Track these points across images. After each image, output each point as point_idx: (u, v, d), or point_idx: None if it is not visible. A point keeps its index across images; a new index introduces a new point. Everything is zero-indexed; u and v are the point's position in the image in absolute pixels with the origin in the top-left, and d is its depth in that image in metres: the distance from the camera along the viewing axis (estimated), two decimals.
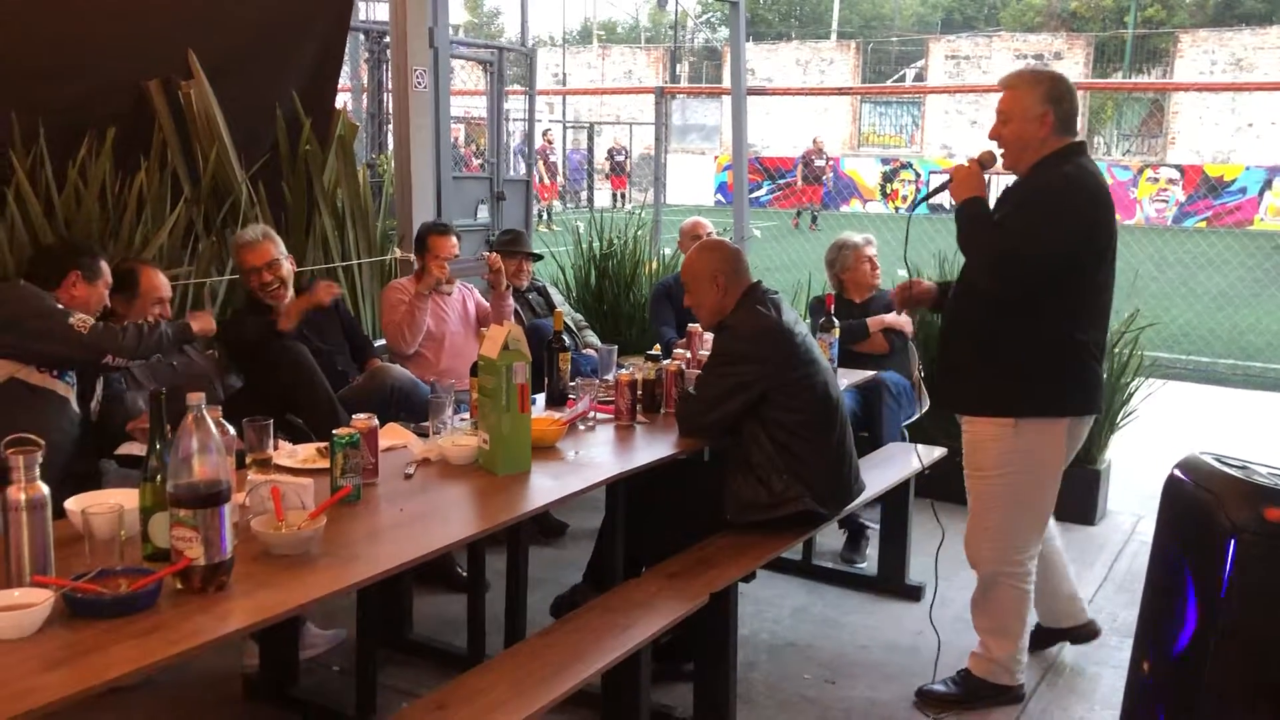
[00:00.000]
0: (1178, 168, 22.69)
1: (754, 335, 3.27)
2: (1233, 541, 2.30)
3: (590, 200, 23.77)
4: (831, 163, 23.23)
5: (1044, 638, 3.67)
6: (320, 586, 2.15)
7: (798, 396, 3.25)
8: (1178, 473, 2.56)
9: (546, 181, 24.20)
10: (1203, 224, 20.76)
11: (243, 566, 2.18)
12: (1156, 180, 22.60)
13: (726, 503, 3.33)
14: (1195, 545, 2.44)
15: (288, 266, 4.06)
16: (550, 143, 25.52)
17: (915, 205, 3.61)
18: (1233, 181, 21.90)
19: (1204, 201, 21.16)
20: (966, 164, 3.21)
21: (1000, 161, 3.20)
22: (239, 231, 4.21)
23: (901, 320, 4.89)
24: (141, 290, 3.60)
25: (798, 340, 3.30)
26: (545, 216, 19.85)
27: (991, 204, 3.19)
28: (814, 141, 22.42)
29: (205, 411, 2.09)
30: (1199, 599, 2.39)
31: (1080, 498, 5.01)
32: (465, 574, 3.84)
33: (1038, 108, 3.07)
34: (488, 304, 4.77)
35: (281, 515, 2.35)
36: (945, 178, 3.27)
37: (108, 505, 2.17)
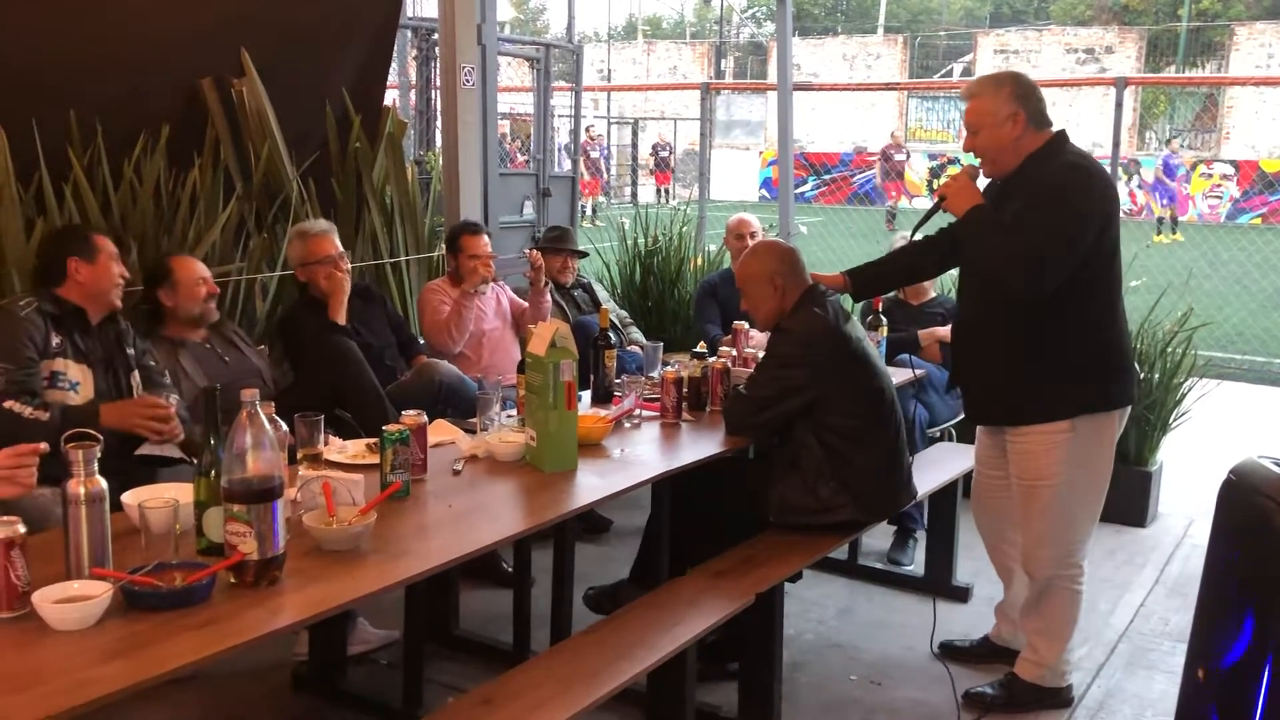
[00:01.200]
0: (1232, 163, 22.26)
1: (809, 338, 3.24)
2: None
3: (634, 196, 23.77)
4: (907, 156, 22.47)
5: (984, 651, 3.64)
6: (370, 582, 2.17)
7: (851, 401, 3.23)
8: (1233, 477, 2.51)
9: (588, 178, 24.23)
10: (1258, 220, 20.38)
11: (294, 561, 2.21)
12: (1210, 176, 22.19)
13: (770, 504, 3.32)
14: (1252, 553, 2.39)
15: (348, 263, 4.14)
16: (594, 139, 25.54)
17: (914, 232, 3.57)
18: None
19: (1260, 198, 20.75)
20: (954, 179, 3.17)
21: (981, 173, 3.17)
22: (302, 224, 4.25)
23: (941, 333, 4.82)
24: (179, 280, 3.62)
25: (853, 344, 3.28)
26: (589, 212, 19.87)
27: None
28: (891, 136, 21.76)
29: (259, 407, 2.12)
30: (1256, 608, 2.35)
31: (1132, 500, 4.95)
32: (510, 569, 3.86)
33: (1007, 108, 3.03)
34: (521, 301, 4.78)
35: (333, 510, 2.38)
36: (936, 200, 3.21)
37: (163, 500, 2.21)
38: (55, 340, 3.12)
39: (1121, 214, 3.13)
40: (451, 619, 3.72)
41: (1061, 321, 3.04)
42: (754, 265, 3.38)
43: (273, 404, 2.41)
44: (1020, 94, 3.05)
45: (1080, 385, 3.08)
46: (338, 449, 2.99)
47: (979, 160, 3.15)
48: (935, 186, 21.04)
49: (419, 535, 2.47)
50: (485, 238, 4.59)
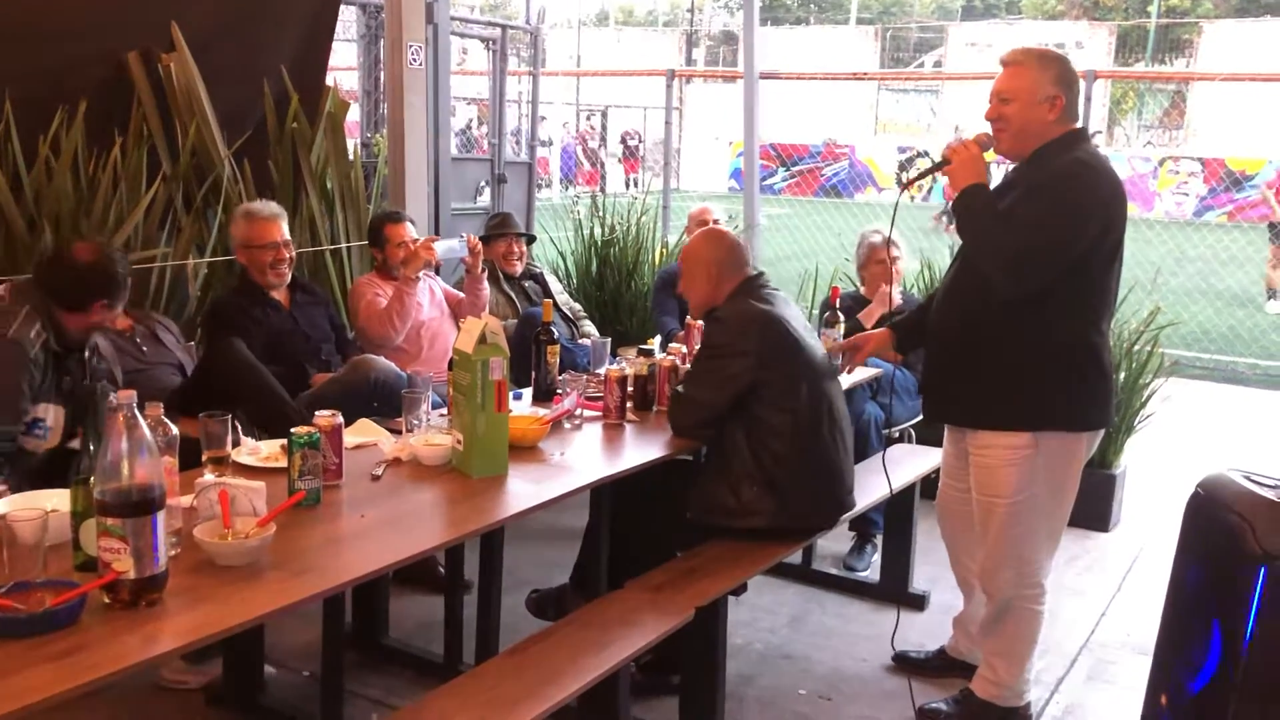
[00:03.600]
0: (1199, 160, 22.30)
1: (741, 324, 3.07)
2: (1263, 570, 2.10)
3: (603, 185, 23.53)
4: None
5: (942, 664, 3.50)
6: (263, 602, 1.97)
7: (787, 395, 3.04)
8: (1202, 492, 2.36)
9: (588, 169, 23.96)
10: (1224, 218, 20.42)
11: (183, 578, 2.01)
12: (1177, 173, 22.23)
13: (691, 500, 3.15)
14: (1220, 572, 2.24)
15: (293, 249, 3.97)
16: (594, 129, 25.28)
17: (908, 185, 3.40)
18: (1255, 175, 21.51)
19: (1225, 195, 20.80)
20: (964, 145, 2.92)
21: (996, 146, 2.94)
22: (248, 204, 4.04)
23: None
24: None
25: (791, 334, 3.09)
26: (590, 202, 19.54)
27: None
28: (956, 131, 20.91)
29: (137, 410, 1.91)
30: (1223, 630, 2.20)
31: (1094, 504, 4.80)
32: (444, 571, 3.66)
33: (1049, 89, 2.83)
34: (456, 292, 4.58)
35: (229, 522, 2.17)
36: (939, 158, 2.97)
37: (33, 510, 1.99)
38: (46, 379, 2.93)
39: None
40: (380, 627, 3.52)
41: (1038, 324, 2.84)
42: (694, 249, 3.27)
43: (161, 405, 2.20)
44: (1065, 79, 2.86)
45: (1046, 397, 2.87)
46: (249, 450, 2.78)
47: (999, 132, 2.92)
48: (903, 179, 20.86)
49: (325, 549, 2.26)
50: (408, 225, 4.39)
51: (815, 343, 3.23)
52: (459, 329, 4.37)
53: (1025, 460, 2.89)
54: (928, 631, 3.77)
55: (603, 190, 21.13)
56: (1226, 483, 2.29)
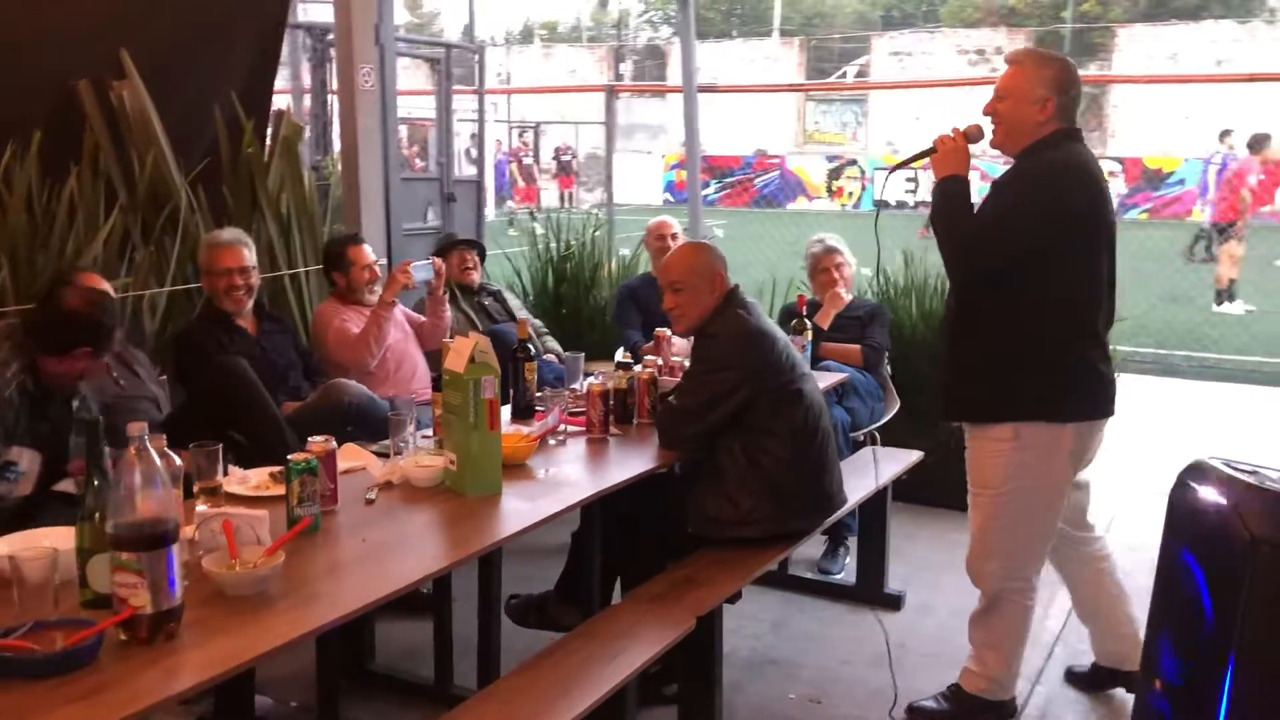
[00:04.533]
0: (1118, 160, 22.92)
1: (736, 340, 3.12)
2: (1253, 554, 2.18)
3: (538, 201, 23.51)
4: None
5: (1100, 679, 3.42)
6: (282, 631, 1.96)
7: (780, 405, 3.11)
8: (1187, 480, 2.44)
9: (522, 185, 23.89)
10: (1144, 215, 21.00)
11: (193, 611, 1.98)
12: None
13: (689, 514, 3.19)
14: (1209, 558, 2.31)
15: (256, 277, 3.93)
16: (526, 145, 25.22)
17: (895, 169, 3.44)
18: (1171, 173, 22.18)
19: (1145, 194, 21.40)
20: (953, 138, 3.01)
21: (989, 139, 3.02)
22: (212, 232, 4.03)
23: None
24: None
25: (779, 345, 3.15)
26: (530, 216, 19.49)
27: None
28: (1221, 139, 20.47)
29: (149, 442, 1.89)
30: (1215, 615, 2.27)
31: None
32: (427, 593, 3.64)
33: (1040, 91, 2.91)
34: (416, 315, 4.57)
35: (235, 552, 2.15)
36: (928, 145, 3.06)
37: (39, 549, 1.95)
38: (20, 422, 2.84)
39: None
40: (367, 653, 3.48)
41: (1010, 320, 2.93)
42: (698, 259, 3.25)
43: (164, 437, 2.17)
44: (1060, 82, 2.92)
45: (1021, 390, 2.95)
46: (238, 480, 2.75)
47: (993, 127, 3.00)
48: (834, 188, 20.98)
49: (332, 575, 2.25)
50: (368, 246, 4.37)
51: (797, 352, 3.29)
52: (423, 351, 4.43)
53: (1008, 453, 2.96)
54: (907, 630, 3.84)
55: (539, 207, 21.13)
56: (1211, 471, 2.36)
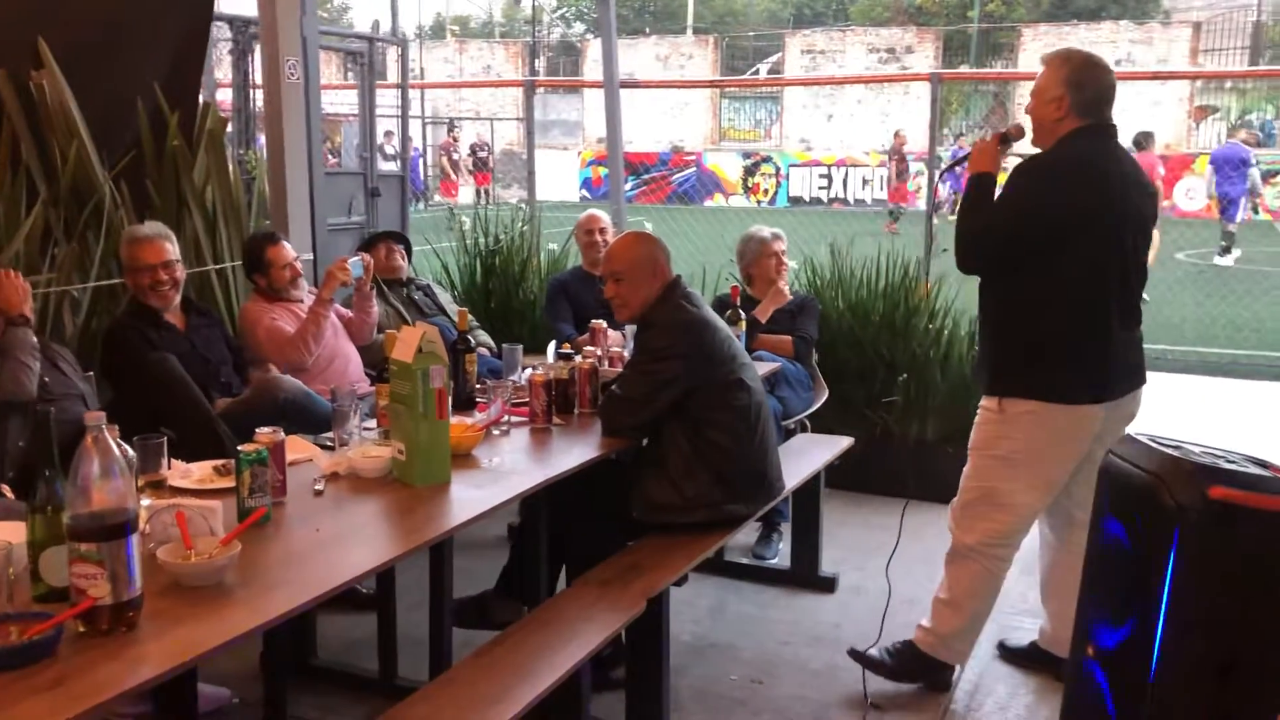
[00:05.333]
0: (1021, 156, 23.51)
1: (678, 329, 3.17)
2: (1178, 522, 2.30)
3: (458, 197, 23.36)
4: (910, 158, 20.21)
5: (1033, 658, 3.52)
6: (243, 620, 1.96)
7: (722, 393, 3.17)
8: (1114, 455, 2.56)
9: (452, 178, 23.64)
10: None
11: (149, 603, 1.96)
12: (1005, 170, 23.38)
13: (634, 502, 3.24)
14: (1138, 528, 2.43)
15: (181, 271, 3.85)
16: (455, 140, 24.95)
17: (943, 173, 3.67)
18: None
19: None
20: (988, 142, 3.21)
21: (1027, 138, 3.19)
22: (131, 227, 3.94)
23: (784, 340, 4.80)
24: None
25: (721, 335, 3.22)
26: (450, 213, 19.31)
27: None
28: (896, 135, 19.99)
29: (105, 431, 1.87)
30: (1145, 582, 2.39)
31: None
32: (366, 592, 3.63)
33: (1056, 90, 3.04)
34: (344, 309, 4.55)
35: (190, 543, 2.13)
36: (965, 154, 3.31)
37: None
38: None
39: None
40: (309, 648, 3.46)
41: (1006, 305, 3.14)
42: (640, 250, 3.29)
43: (116, 428, 2.14)
44: (1074, 80, 3.03)
45: (1008, 368, 3.14)
46: (181, 473, 2.72)
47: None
48: (750, 184, 21.17)
49: (288, 564, 2.24)
50: (286, 243, 4.33)
51: (736, 340, 3.35)
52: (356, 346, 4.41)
53: (990, 422, 3.16)
54: (841, 612, 3.94)
55: (458, 202, 20.98)
56: (1138, 446, 2.48)
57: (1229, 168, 14.22)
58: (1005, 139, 3.21)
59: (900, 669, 3.32)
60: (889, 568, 3.54)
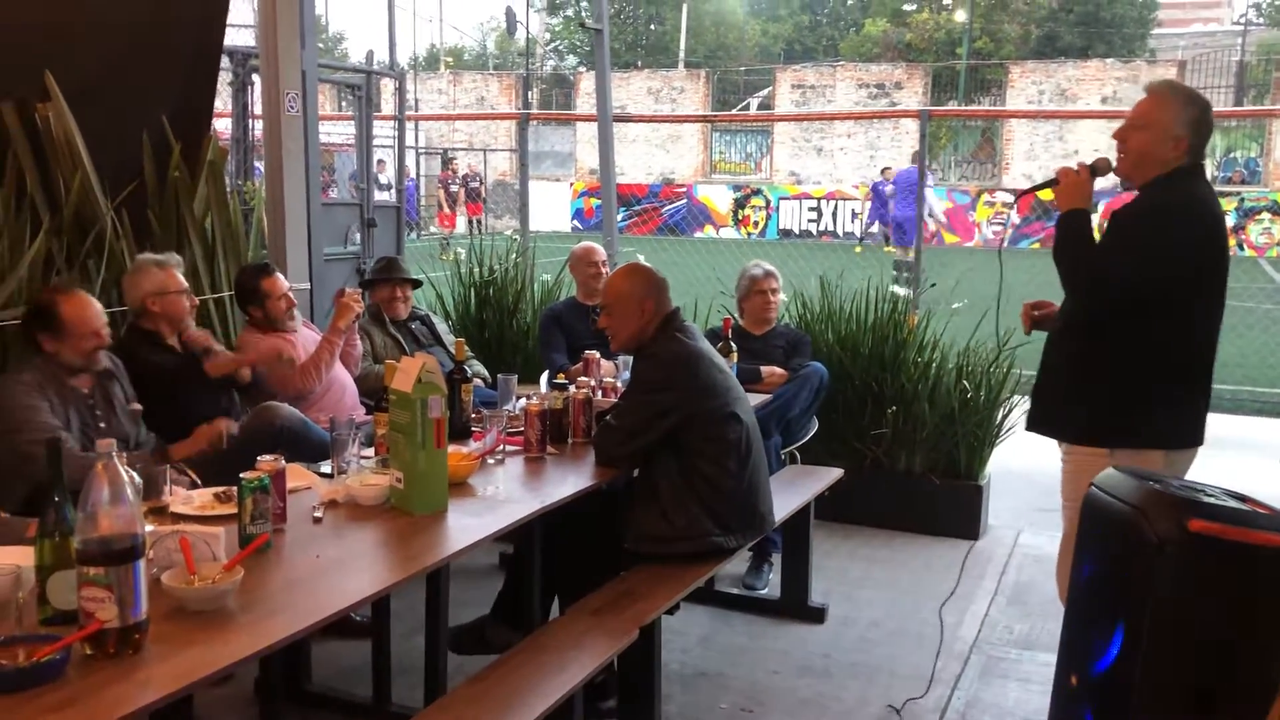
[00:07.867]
0: (1012, 192, 23.76)
1: (673, 362, 3.24)
2: (1158, 554, 2.35)
3: (454, 227, 23.46)
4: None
5: None
6: (246, 644, 2.00)
7: (715, 425, 3.23)
8: (1096, 488, 2.62)
9: (448, 210, 23.77)
10: (1037, 245, 21.78)
11: (154, 626, 2.00)
12: (993, 204, 23.64)
13: (627, 530, 3.29)
14: (1120, 559, 2.49)
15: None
16: (454, 172, 25.08)
17: (1021, 196, 3.52)
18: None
19: (1038, 224, 22.20)
20: (1076, 171, 3.05)
21: (1114, 166, 3.05)
22: (142, 255, 4.00)
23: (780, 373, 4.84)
24: (66, 324, 3.36)
25: (716, 369, 3.28)
26: (443, 244, 19.38)
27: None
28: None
29: (116, 458, 1.92)
30: (1127, 611, 2.44)
31: (965, 514, 5.14)
32: (360, 619, 3.67)
33: (1178, 129, 2.93)
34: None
35: (193, 568, 2.18)
36: (1051, 176, 3.11)
37: (4, 565, 1.97)
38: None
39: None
40: (303, 674, 3.49)
41: (1125, 347, 2.97)
42: (626, 285, 3.35)
43: (124, 454, 2.20)
44: (1196, 123, 2.95)
45: (1127, 416, 3.00)
46: (183, 500, 2.76)
47: (1120, 155, 3.02)
48: (740, 217, 21.06)
49: (290, 590, 2.29)
50: (280, 275, 4.39)
51: (731, 372, 3.42)
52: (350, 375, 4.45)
53: (1065, 467, 3.11)
54: (831, 643, 3.98)
55: (454, 232, 21.06)
56: (1119, 479, 2.55)
57: (907, 191, 14.19)
58: (1094, 171, 3.05)
59: None
60: (943, 610, 3.58)
